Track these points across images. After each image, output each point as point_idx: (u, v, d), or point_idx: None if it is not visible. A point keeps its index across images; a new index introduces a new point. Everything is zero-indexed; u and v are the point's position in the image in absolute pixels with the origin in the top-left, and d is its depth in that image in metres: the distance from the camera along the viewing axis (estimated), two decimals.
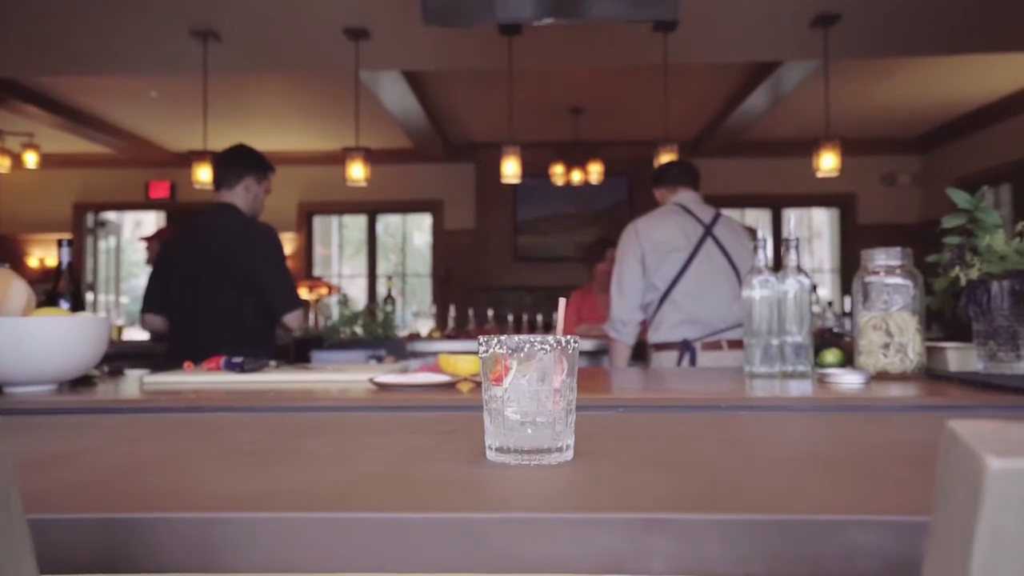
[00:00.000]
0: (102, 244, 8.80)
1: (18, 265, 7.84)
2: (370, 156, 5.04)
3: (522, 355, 0.72)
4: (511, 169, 4.85)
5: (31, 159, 6.32)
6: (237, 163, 2.79)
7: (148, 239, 4.56)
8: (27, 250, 8.08)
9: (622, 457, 0.76)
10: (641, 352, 3.10)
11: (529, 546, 0.54)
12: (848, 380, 1.40)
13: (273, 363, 1.75)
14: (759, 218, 8.54)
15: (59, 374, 1.38)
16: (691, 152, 7.36)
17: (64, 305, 1.74)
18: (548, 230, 7.97)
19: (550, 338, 0.72)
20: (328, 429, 0.96)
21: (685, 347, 2.69)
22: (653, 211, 2.99)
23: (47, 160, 7.27)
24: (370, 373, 1.53)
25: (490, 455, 0.74)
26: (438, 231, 8.28)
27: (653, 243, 2.81)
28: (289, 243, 7.97)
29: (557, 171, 7.04)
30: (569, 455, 0.74)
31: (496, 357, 0.73)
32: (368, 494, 0.61)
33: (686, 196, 2.93)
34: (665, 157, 4.64)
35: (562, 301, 0.74)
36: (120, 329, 4.74)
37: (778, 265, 1.62)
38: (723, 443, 0.87)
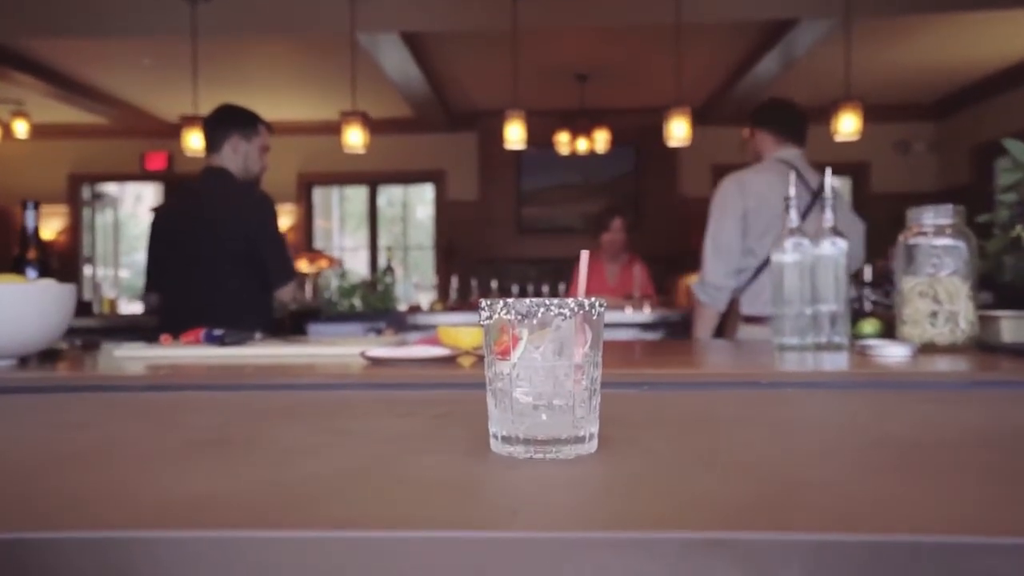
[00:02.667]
0: (100, 217, 8.65)
1: (12, 238, 7.71)
2: (370, 125, 4.86)
3: (534, 322, 0.57)
4: (515, 134, 4.67)
5: (21, 128, 6.14)
6: (221, 122, 2.62)
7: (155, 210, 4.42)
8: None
9: (657, 449, 0.62)
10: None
11: None
12: (893, 353, 1.25)
13: (259, 335, 1.61)
14: None
15: (16, 347, 1.24)
16: (699, 120, 7.13)
17: (31, 274, 1.60)
18: (553, 201, 7.79)
19: (569, 301, 0.57)
20: (306, 411, 0.82)
21: None
22: (755, 165, 2.61)
23: (40, 131, 7.10)
24: (362, 347, 1.39)
25: (494, 445, 0.60)
26: (441, 202, 8.11)
27: (759, 200, 2.43)
28: (288, 215, 7.81)
29: (562, 140, 6.84)
30: (592, 446, 0.60)
31: (502, 325, 0.58)
32: (336, 501, 0.47)
33: (792, 154, 2.54)
34: (675, 122, 4.45)
35: (584, 254, 0.60)
36: (112, 302, 4.61)
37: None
38: (775, 429, 0.73)
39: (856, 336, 1.48)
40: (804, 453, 0.61)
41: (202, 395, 0.94)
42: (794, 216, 1.46)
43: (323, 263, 6.59)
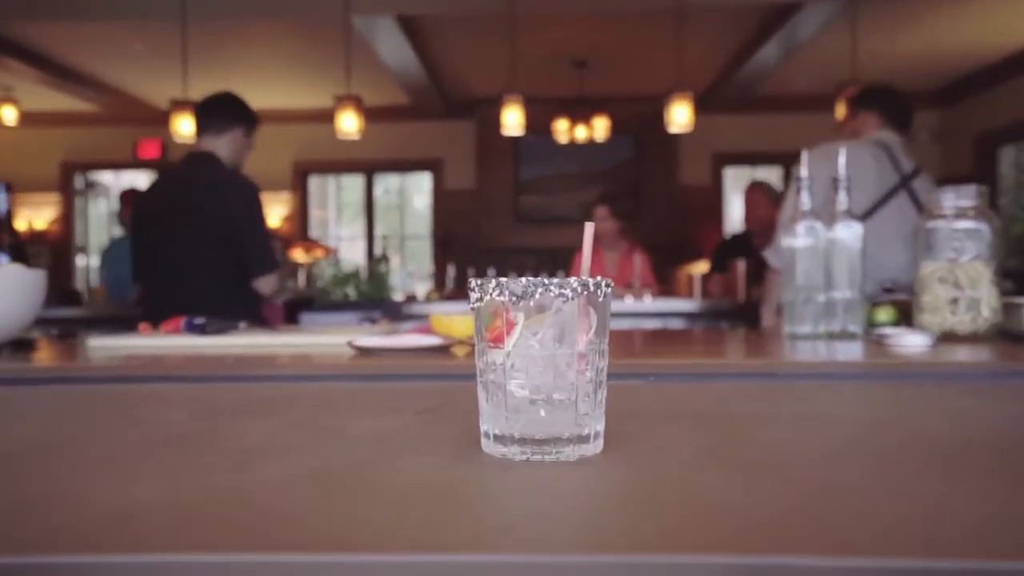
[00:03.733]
0: (93, 206, 8.55)
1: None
2: (366, 112, 4.76)
3: (531, 304, 0.50)
4: (513, 119, 4.57)
5: (10, 114, 6.03)
6: (227, 112, 2.53)
7: (124, 194, 4.33)
8: (14, 210, 7.83)
9: (672, 448, 0.55)
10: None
11: None
12: (911, 342, 1.18)
13: (243, 325, 1.54)
14: (770, 176, 8.26)
15: None
16: (700, 107, 7.04)
17: (2, 259, 1.52)
18: (551, 190, 7.70)
19: (571, 280, 0.50)
20: (281, 405, 0.75)
21: None
22: (851, 141, 2.53)
23: (32, 118, 6.99)
24: (351, 336, 1.31)
25: (486, 446, 0.53)
26: (438, 191, 8.02)
27: (843, 171, 2.47)
28: (284, 204, 7.72)
29: (561, 128, 6.75)
30: (598, 446, 0.53)
31: (494, 308, 0.51)
32: (296, 514, 0.40)
33: (890, 136, 2.48)
34: (676, 107, 4.37)
35: (589, 227, 0.52)
36: (101, 291, 4.52)
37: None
38: (797, 425, 0.65)
39: (870, 324, 1.41)
40: (833, 454, 0.54)
41: (170, 387, 0.87)
42: (806, 198, 1.39)
43: (318, 253, 6.51)
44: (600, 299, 0.51)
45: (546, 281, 0.50)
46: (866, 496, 0.43)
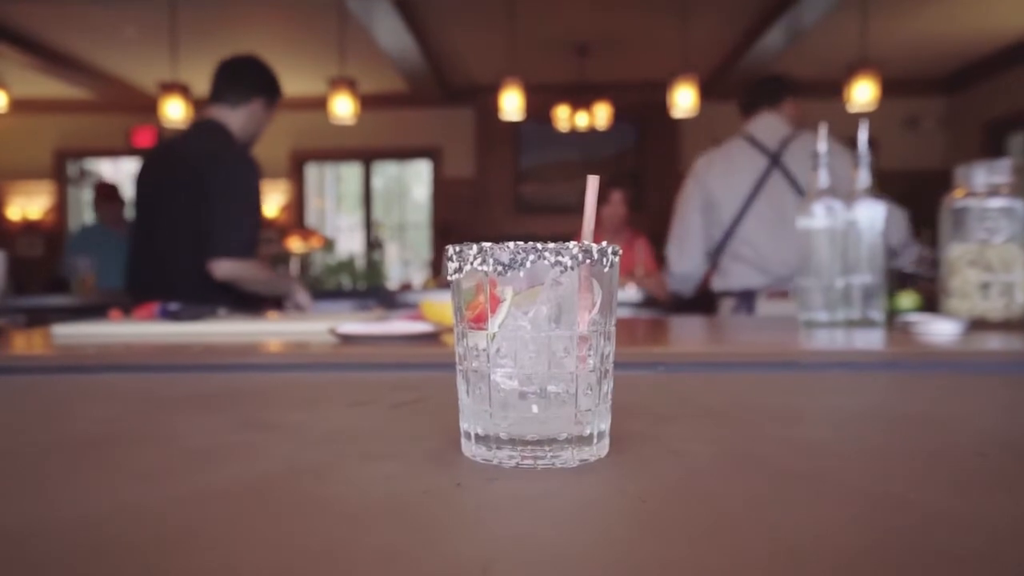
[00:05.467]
0: (87, 195, 8.44)
1: None
2: (364, 100, 4.64)
3: (522, 275, 0.40)
4: (512, 103, 4.46)
5: None
6: (250, 79, 2.22)
7: (98, 186, 4.23)
8: (6, 199, 7.73)
9: (690, 451, 0.45)
10: (706, 302, 2.70)
11: None
12: (940, 330, 1.09)
13: (222, 311, 1.45)
14: None
15: None
16: (703, 95, 6.93)
17: None
18: (552, 178, 7.58)
19: (571, 245, 0.41)
20: (235, 399, 0.66)
21: (745, 297, 2.34)
22: (721, 146, 2.56)
23: (24, 105, 6.88)
24: (334, 322, 1.22)
25: (467, 448, 0.44)
26: (437, 179, 7.91)
27: (708, 190, 2.46)
28: (281, 193, 7.61)
29: (562, 115, 6.63)
30: (603, 449, 0.43)
31: (476, 281, 0.41)
32: (216, 540, 0.31)
33: (757, 124, 2.46)
34: (680, 91, 4.25)
35: (593, 180, 0.43)
36: (92, 280, 4.42)
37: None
38: (835, 421, 0.56)
39: (892, 311, 1.32)
40: (884, 459, 0.45)
41: (114, 379, 0.78)
42: (824, 175, 1.29)
43: (315, 242, 6.42)
44: (606, 269, 0.42)
45: (539, 247, 0.40)
46: (945, 517, 0.33)
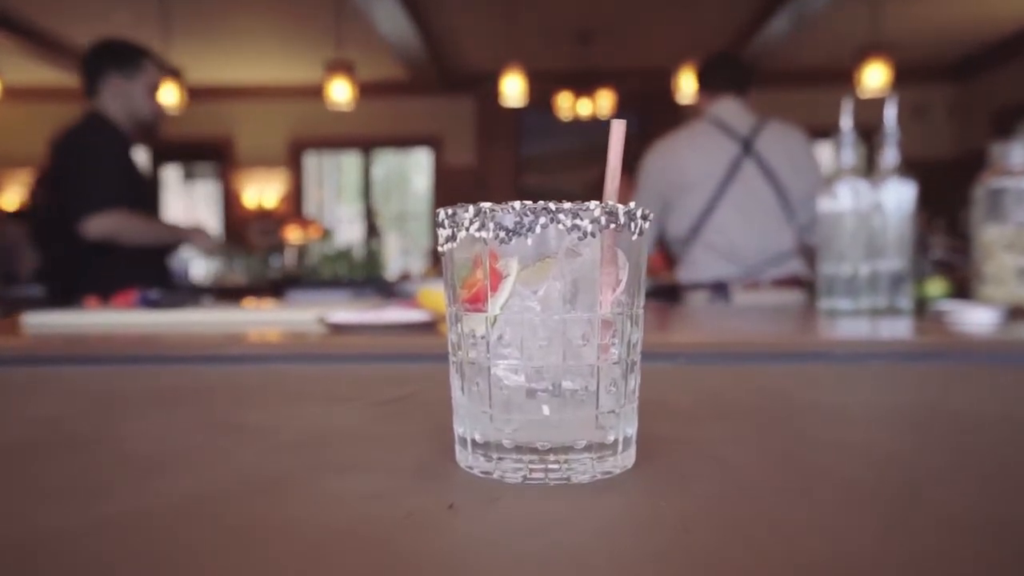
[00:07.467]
0: None
1: None
2: (364, 88, 4.55)
3: (530, 244, 0.32)
4: (513, 89, 4.36)
5: None
6: (96, 62, 2.18)
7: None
8: (2, 188, 7.64)
9: (730, 459, 0.37)
10: (670, 296, 2.62)
11: None
12: (977, 319, 1.01)
13: (207, 299, 1.37)
14: None
15: None
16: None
17: None
18: (553, 168, 7.48)
19: (590, 206, 0.33)
20: (201, 395, 0.58)
21: (718, 288, 2.25)
22: (681, 130, 2.46)
23: (17, 93, 6.78)
24: (324, 311, 1.14)
25: (462, 457, 0.36)
26: (438, 168, 7.81)
27: (667, 181, 2.36)
28: (279, 182, 7.52)
29: (564, 103, 6.53)
30: (628, 459, 0.36)
31: (474, 250, 0.33)
32: (135, 572, 0.23)
33: (724, 107, 2.36)
34: (686, 76, 4.16)
35: (618, 124, 0.35)
36: None
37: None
38: (888, 421, 0.48)
39: (920, 299, 1.24)
40: (965, 469, 0.37)
41: (76, 372, 0.70)
42: (848, 155, 1.21)
43: (313, 232, 6.34)
44: (634, 237, 0.34)
45: (552, 207, 0.32)
46: None
